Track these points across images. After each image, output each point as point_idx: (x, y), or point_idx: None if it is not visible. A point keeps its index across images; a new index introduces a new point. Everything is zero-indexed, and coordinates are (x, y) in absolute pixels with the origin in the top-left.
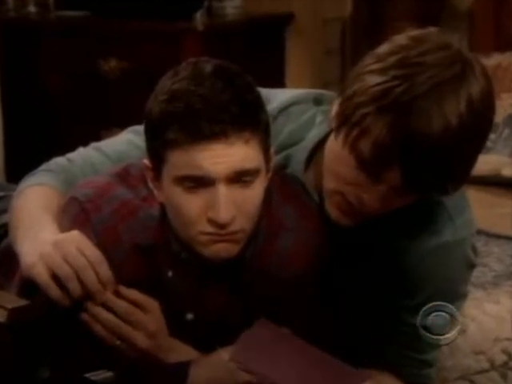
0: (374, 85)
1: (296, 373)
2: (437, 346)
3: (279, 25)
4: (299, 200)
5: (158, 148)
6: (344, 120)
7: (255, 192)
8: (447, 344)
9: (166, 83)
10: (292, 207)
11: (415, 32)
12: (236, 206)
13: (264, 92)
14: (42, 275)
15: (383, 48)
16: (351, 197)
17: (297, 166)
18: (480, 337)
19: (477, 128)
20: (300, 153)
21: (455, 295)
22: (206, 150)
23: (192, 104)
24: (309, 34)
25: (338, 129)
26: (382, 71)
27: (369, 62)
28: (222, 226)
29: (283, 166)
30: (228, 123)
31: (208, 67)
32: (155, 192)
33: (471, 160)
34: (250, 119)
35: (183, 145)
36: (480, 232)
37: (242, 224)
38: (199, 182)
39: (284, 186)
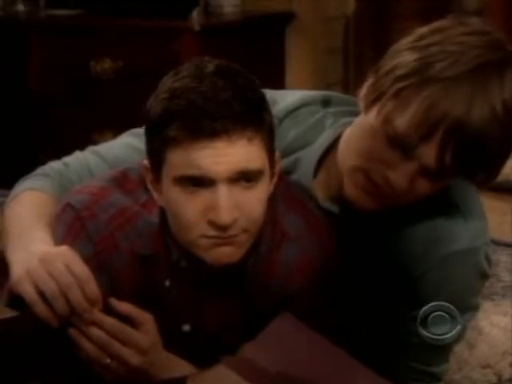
0: (415, 59)
1: (312, 370)
2: (446, 358)
3: (279, 24)
4: (305, 209)
5: (157, 147)
6: (379, 95)
7: (258, 194)
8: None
9: (167, 82)
10: (297, 216)
11: (458, 18)
12: (238, 208)
13: (270, 94)
14: (28, 292)
15: (425, 28)
16: (376, 175)
17: (306, 170)
18: (487, 350)
19: None
20: (310, 156)
21: (466, 306)
22: (207, 148)
23: (193, 101)
24: (310, 33)
25: (368, 107)
26: (423, 48)
27: (409, 40)
28: (223, 229)
29: (291, 170)
30: (230, 120)
31: (210, 66)
32: (155, 195)
33: (507, 150)
34: (253, 117)
35: (183, 143)
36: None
37: (245, 226)
38: (199, 183)
39: (289, 194)
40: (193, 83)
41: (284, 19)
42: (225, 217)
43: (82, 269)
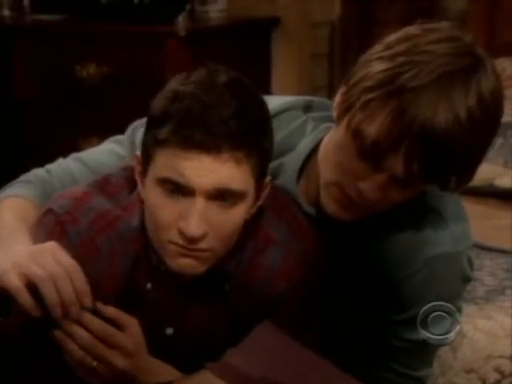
0: (381, 70)
1: (294, 376)
2: (430, 363)
3: (265, 29)
4: (290, 213)
5: (149, 143)
6: (348, 106)
7: (235, 216)
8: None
9: (175, 83)
10: (283, 221)
11: (427, 24)
12: (209, 224)
13: None
14: (13, 281)
15: (393, 36)
16: (349, 188)
17: (289, 176)
18: (471, 354)
19: (485, 124)
20: (293, 162)
21: None
22: (194, 159)
23: (192, 109)
24: (296, 38)
25: (340, 116)
26: (390, 58)
27: (378, 49)
28: (191, 240)
29: (275, 176)
30: (222, 138)
31: (222, 77)
32: (139, 187)
33: (477, 155)
34: (247, 139)
35: (172, 148)
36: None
37: (213, 244)
38: (179, 189)
39: (275, 199)
40: (197, 90)
41: (270, 24)
42: (193, 228)
43: (70, 261)
